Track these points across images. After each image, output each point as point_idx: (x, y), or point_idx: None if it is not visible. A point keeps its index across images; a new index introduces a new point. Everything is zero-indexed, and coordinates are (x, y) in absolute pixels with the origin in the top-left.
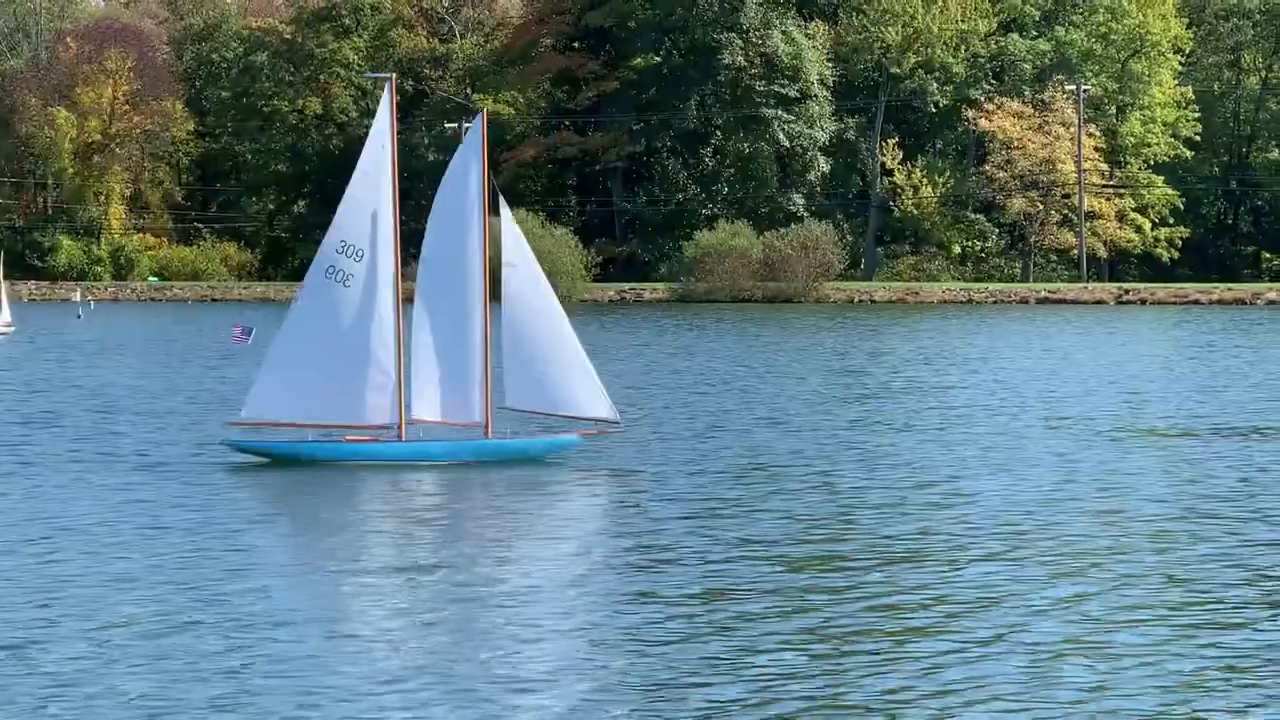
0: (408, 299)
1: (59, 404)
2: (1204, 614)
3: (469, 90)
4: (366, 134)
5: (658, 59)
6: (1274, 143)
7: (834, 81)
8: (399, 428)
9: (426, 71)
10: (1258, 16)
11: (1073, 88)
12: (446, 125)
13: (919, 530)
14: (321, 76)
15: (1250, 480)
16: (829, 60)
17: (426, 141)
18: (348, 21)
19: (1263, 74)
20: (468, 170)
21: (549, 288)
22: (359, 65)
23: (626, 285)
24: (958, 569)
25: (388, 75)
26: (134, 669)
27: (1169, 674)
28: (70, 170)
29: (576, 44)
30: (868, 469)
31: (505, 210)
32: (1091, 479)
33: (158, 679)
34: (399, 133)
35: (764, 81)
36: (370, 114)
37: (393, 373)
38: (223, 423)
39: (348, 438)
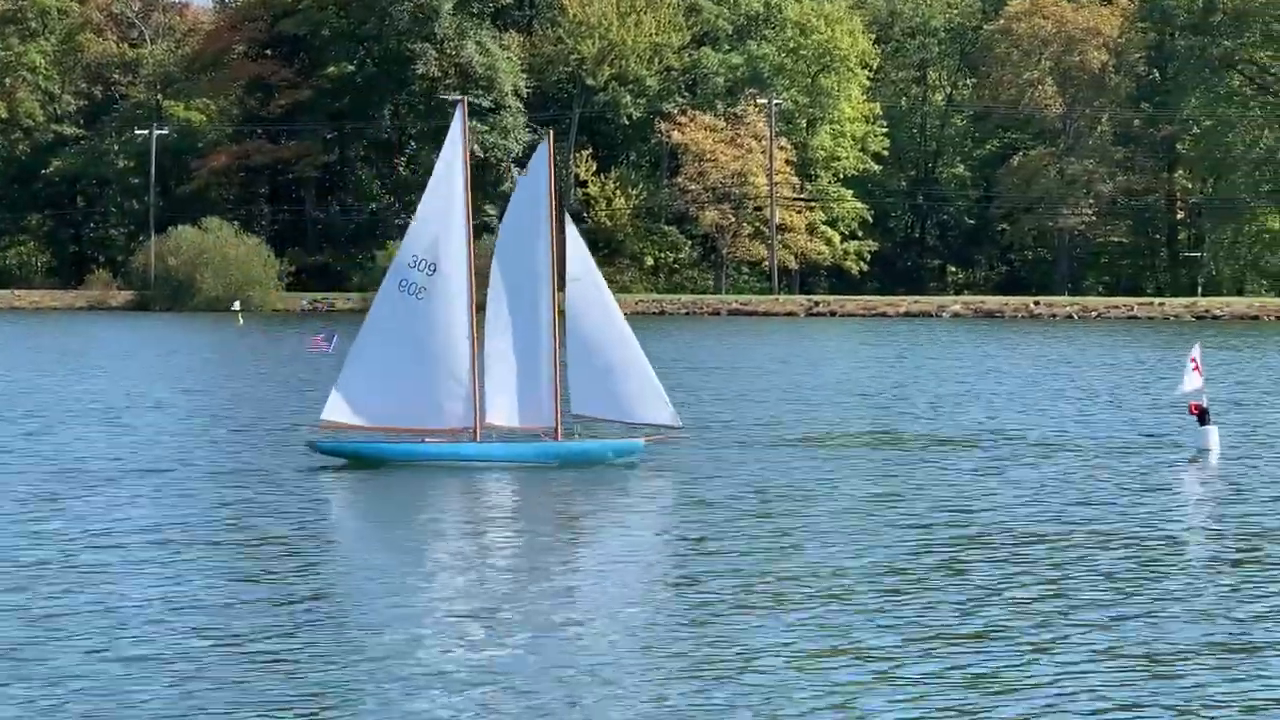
0: (480, 308)
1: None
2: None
3: (159, 96)
4: (54, 140)
5: (351, 68)
6: (959, 158)
7: (528, 93)
8: (474, 431)
9: (116, 77)
10: (943, 34)
11: (764, 101)
12: (137, 132)
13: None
14: (6, 80)
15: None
16: (523, 72)
17: (116, 148)
18: (34, 24)
19: (948, 90)
20: (536, 188)
21: (613, 299)
22: (45, 69)
23: (319, 295)
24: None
25: (459, 97)
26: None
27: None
28: None
29: (269, 51)
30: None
31: (571, 226)
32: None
33: (243, 674)
34: (90, 138)
35: (458, 92)
36: (58, 119)
37: (467, 379)
38: (304, 426)
39: (426, 440)
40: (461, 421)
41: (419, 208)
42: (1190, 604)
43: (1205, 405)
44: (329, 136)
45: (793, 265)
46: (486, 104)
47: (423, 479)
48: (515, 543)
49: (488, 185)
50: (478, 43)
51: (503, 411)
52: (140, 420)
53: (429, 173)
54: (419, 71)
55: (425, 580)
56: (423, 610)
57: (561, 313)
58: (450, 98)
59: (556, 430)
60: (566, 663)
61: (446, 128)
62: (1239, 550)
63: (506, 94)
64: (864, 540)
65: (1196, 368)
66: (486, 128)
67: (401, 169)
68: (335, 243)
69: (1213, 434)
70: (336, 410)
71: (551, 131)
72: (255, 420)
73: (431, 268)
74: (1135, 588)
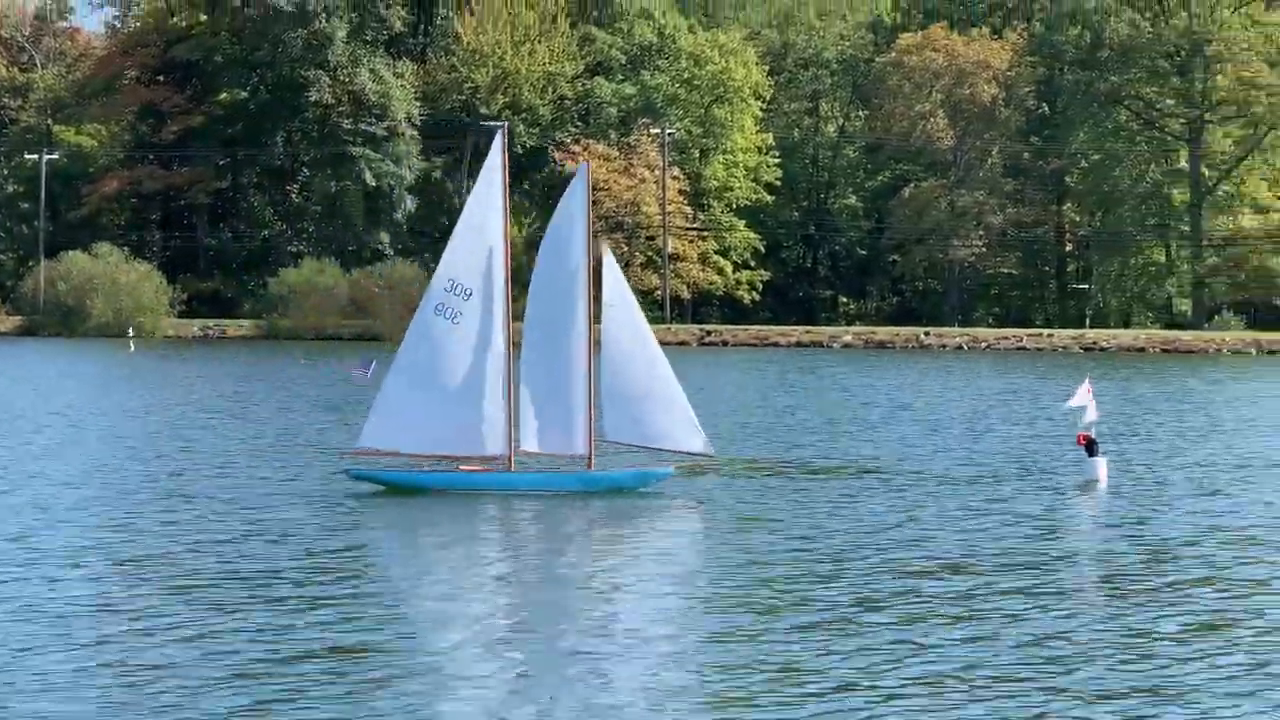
0: (515, 337)
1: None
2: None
3: (49, 121)
4: None
5: (244, 94)
6: (851, 189)
7: (422, 121)
8: (508, 459)
9: (6, 101)
10: (835, 66)
11: (658, 131)
12: (27, 156)
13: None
14: None
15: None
16: (417, 100)
17: (5, 172)
18: None
19: (840, 122)
20: (572, 216)
21: (647, 327)
22: None
23: (211, 321)
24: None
25: (501, 123)
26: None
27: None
28: None
29: (161, 77)
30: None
31: (608, 255)
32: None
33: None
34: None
35: (351, 119)
36: None
37: (503, 407)
38: (340, 453)
39: (460, 467)
40: (497, 449)
41: (455, 233)
42: (1079, 629)
43: (1094, 436)
44: (221, 163)
45: (685, 295)
46: (380, 132)
47: (456, 507)
48: (542, 570)
49: (380, 213)
50: (371, 70)
51: (537, 439)
52: (167, 446)
53: (323, 199)
54: (312, 99)
55: (453, 605)
56: (451, 634)
57: (596, 340)
58: (492, 125)
59: (590, 458)
60: (585, 686)
61: (340, 154)
62: (1126, 578)
63: (400, 122)
64: (756, 571)
65: (1090, 395)
66: (380, 156)
67: (294, 196)
68: (227, 269)
69: (1100, 464)
70: (373, 437)
71: (589, 161)
72: (290, 445)
73: (468, 293)
74: (1029, 614)
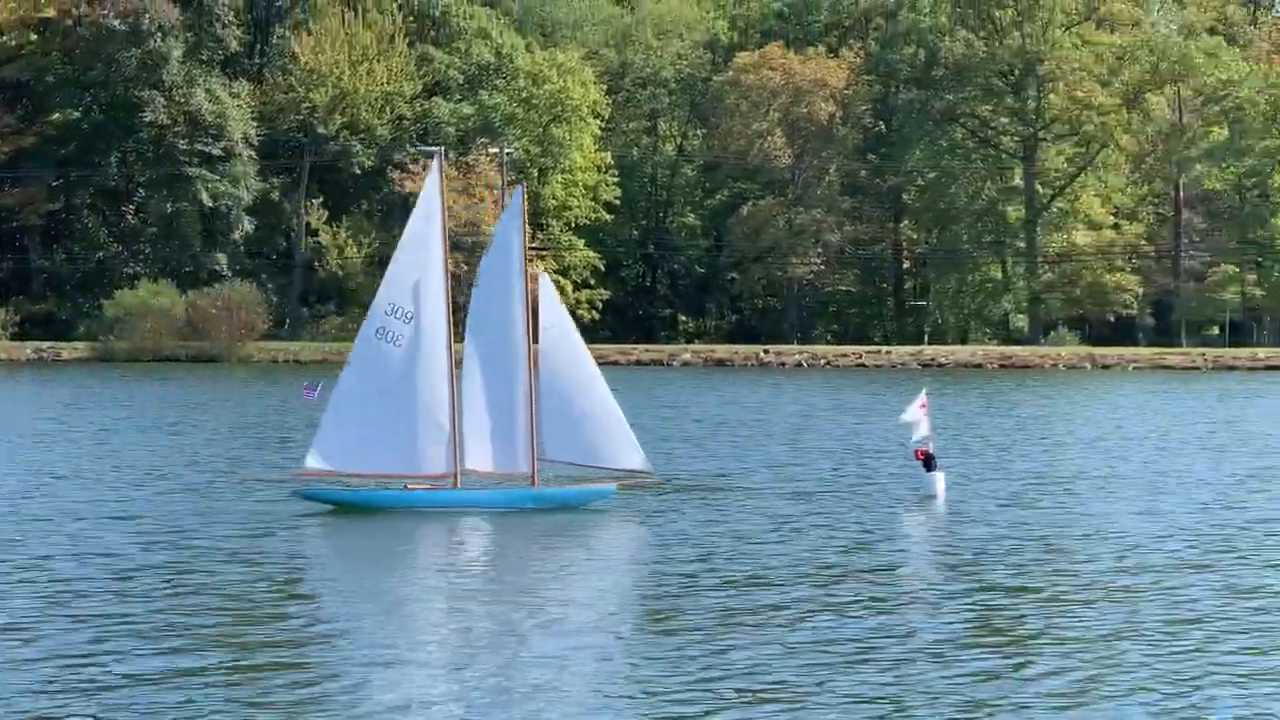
0: (456, 356)
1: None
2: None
3: None
4: None
5: (77, 115)
6: (689, 208)
7: (259, 141)
8: (454, 477)
9: None
10: (673, 85)
11: (496, 151)
12: None
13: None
14: None
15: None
16: (254, 120)
17: None
18: None
19: (679, 141)
20: (509, 239)
21: (584, 348)
22: None
23: (45, 344)
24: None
25: (436, 148)
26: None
27: None
28: None
29: None
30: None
31: (544, 278)
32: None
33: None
34: None
35: (187, 140)
36: None
37: (448, 426)
38: (287, 473)
39: (408, 486)
40: (442, 468)
41: (395, 257)
42: (920, 636)
43: (931, 451)
44: (54, 184)
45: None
46: (216, 152)
47: (406, 524)
48: (494, 585)
49: (218, 234)
50: (207, 90)
51: (481, 458)
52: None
53: (159, 220)
54: (147, 119)
55: (413, 619)
56: (407, 646)
57: (534, 361)
58: (428, 149)
59: (533, 476)
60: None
61: (176, 175)
62: (964, 588)
63: (237, 142)
64: (614, 588)
65: (925, 411)
66: (216, 176)
67: (130, 217)
68: (61, 291)
69: (939, 479)
70: (318, 458)
71: (524, 184)
72: (230, 467)
73: (408, 316)
74: (872, 624)
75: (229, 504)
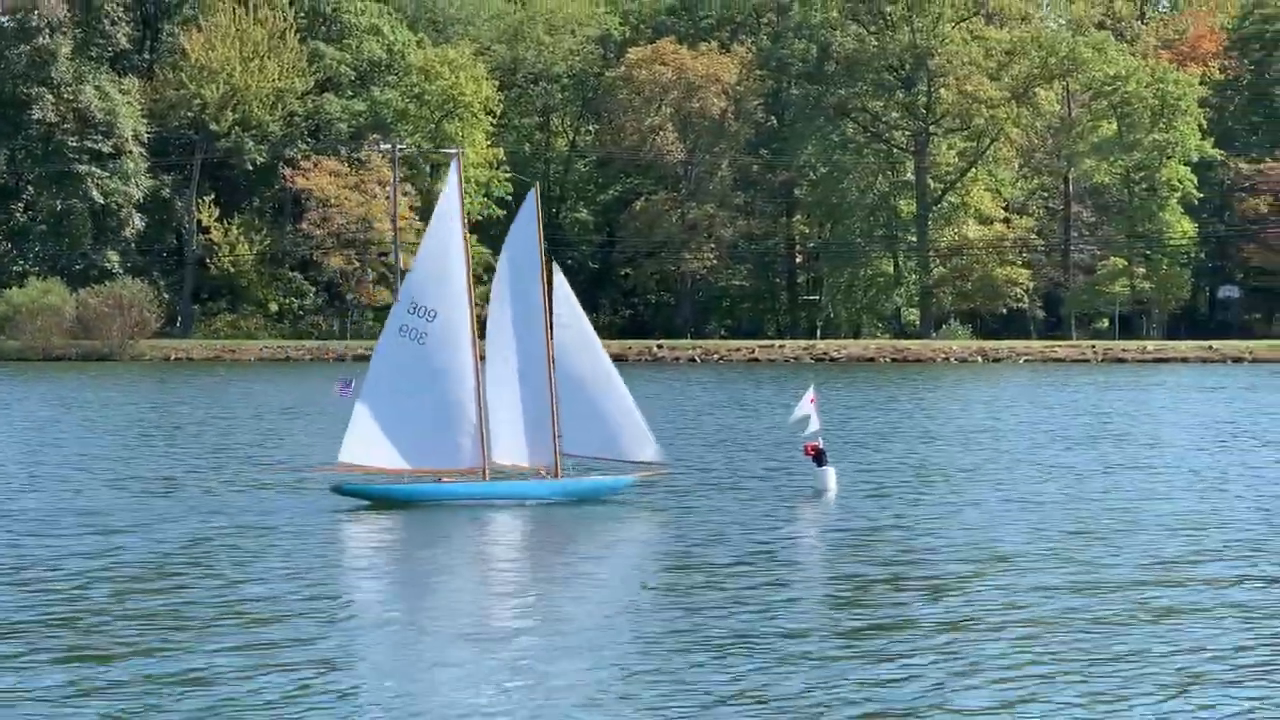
0: (480, 355)
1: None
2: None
3: None
4: None
5: None
6: (582, 203)
7: (150, 138)
8: (483, 470)
9: None
10: (565, 81)
11: (388, 147)
12: None
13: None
14: None
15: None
16: (144, 116)
17: None
18: None
19: (571, 136)
20: (526, 239)
21: (599, 343)
22: None
23: None
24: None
25: (455, 150)
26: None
27: None
28: None
29: None
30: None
31: (559, 274)
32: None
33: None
34: None
35: (77, 137)
36: None
37: (475, 421)
38: (321, 468)
39: (442, 479)
40: (471, 461)
41: (417, 255)
42: (810, 632)
43: (822, 446)
44: None
45: None
46: (106, 149)
47: (442, 517)
48: (532, 575)
49: (108, 232)
50: (96, 87)
51: (507, 452)
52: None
53: (49, 217)
54: (36, 116)
55: (452, 614)
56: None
57: (550, 356)
58: (448, 151)
59: (556, 468)
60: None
61: (66, 172)
62: (854, 586)
63: (127, 139)
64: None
65: (814, 406)
66: (107, 173)
67: (19, 214)
68: None
69: (830, 474)
70: (352, 453)
71: (537, 184)
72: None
73: (431, 314)
74: (758, 620)
75: (266, 499)
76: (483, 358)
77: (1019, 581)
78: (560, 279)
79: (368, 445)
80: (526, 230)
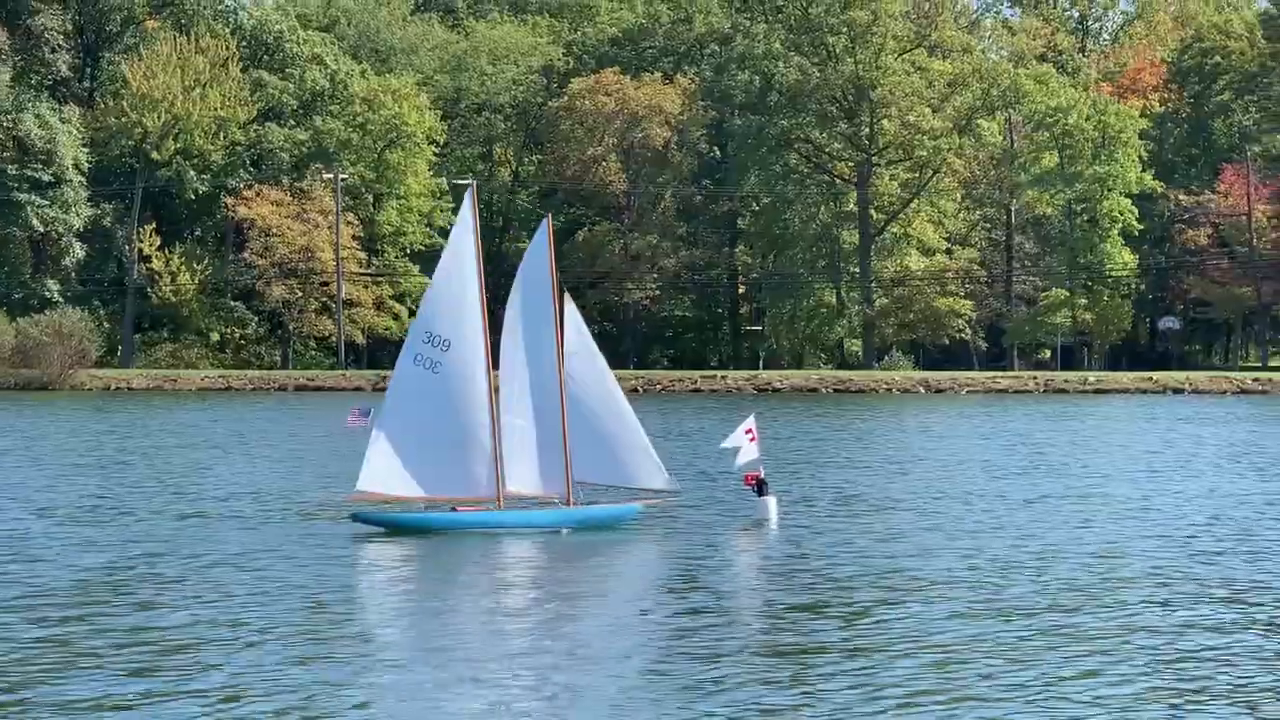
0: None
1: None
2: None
3: None
4: None
5: None
6: (525, 233)
7: (90, 166)
8: (497, 499)
9: None
10: (508, 110)
11: (330, 176)
12: None
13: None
14: None
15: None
16: (85, 145)
17: None
18: None
19: (513, 166)
20: (539, 269)
21: (609, 372)
22: None
23: None
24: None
25: (470, 182)
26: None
27: None
28: None
29: None
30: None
31: (570, 304)
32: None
33: None
34: None
35: (16, 165)
36: None
37: (489, 450)
38: (340, 498)
39: (456, 508)
40: (486, 490)
41: (431, 285)
42: (753, 659)
43: (763, 476)
44: None
45: (360, 340)
46: (46, 178)
47: (456, 544)
48: (546, 601)
49: (48, 260)
50: (36, 115)
51: (521, 481)
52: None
53: None
54: None
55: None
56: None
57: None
58: (461, 183)
59: (569, 496)
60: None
61: (5, 201)
62: (774, 614)
63: (67, 168)
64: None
65: (753, 438)
66: (46, 202)
67: None
68: None
69: (771, 504)
70: (370, 481)
71: (550, 213)
72: (291, 491)
73: (446, 344)
74: (707, 648)
75: (289, 527)
76: (496, 388)
77: (930, 610)
78: (572, 309)
79: (385, 474)
80: (539, 260)
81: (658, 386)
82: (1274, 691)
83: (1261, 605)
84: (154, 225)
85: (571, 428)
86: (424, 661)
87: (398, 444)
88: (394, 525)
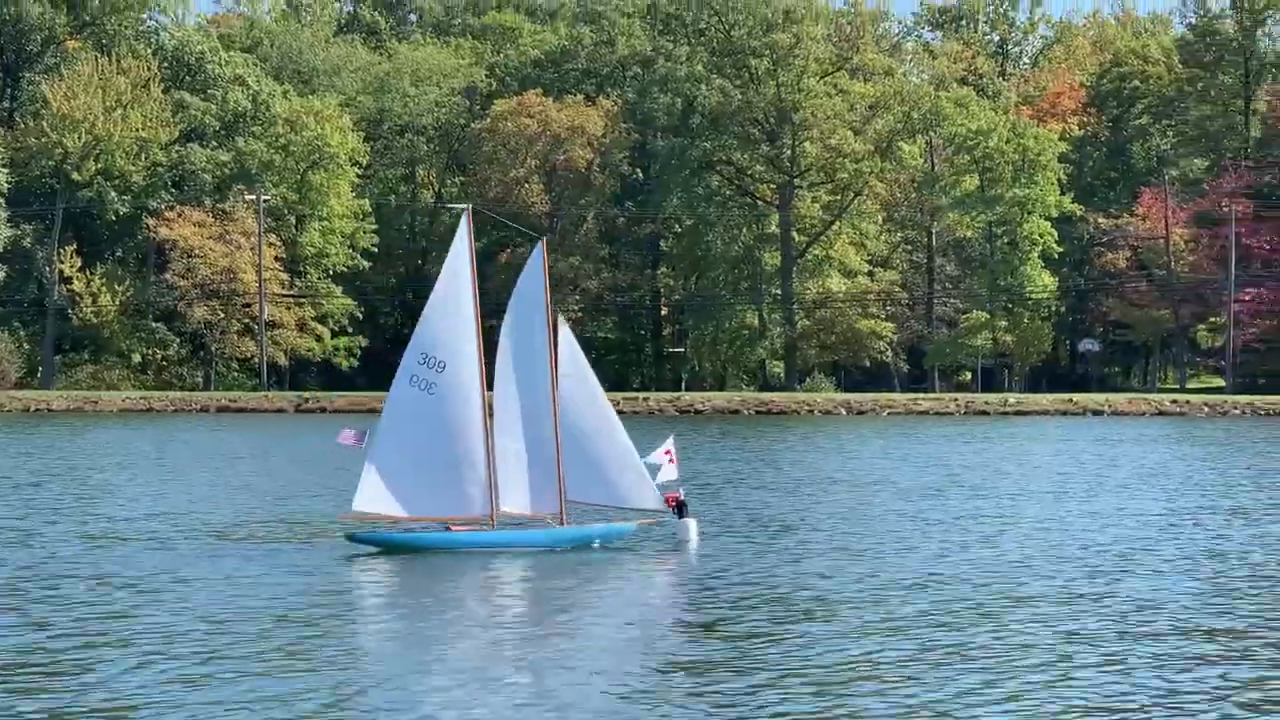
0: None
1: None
2: None
3: None
4: None
5: None
6: (441, 256)
7: (10, 187)
8: (492, 519)
9: None
10: (431, 132)
11: (253, 198)
12: None
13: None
14: None
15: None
16: (4, 165)
17: None
18: None
19: (436, 188)
20: (532, 292)
21: (602, 394)
22: None
23: None
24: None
25: (465, 205)
26: None
27: None
28: None
29: None
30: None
31: (563, 326)
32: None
33: None
34: None
35: None
36: None
37: (484, 470)
38: (335, 517)
39: (450, 528)
40: (480, 510)
41: (426, 309)
42: (676, 683)
43: (683, 497)
44: None
45: (283, 361)
46: None
47: (450, 563)
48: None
49: None
50: None
51: (515, 500)
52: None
53: None
54: None
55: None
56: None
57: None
58: (456, 206)
59: (562, 516)
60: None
61: None
62: (722, 636)
63: None
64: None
65: (671, 459)
66: None
67: None
68: None
69: (691, 525)
70: (365, 501)
71: (545, 238)
72: (286, 511)
73: (441, 365)
74: (630, 663)
75: (281, 546)
76: (491, 409)
77: (828, 629)
78: (565, 330)
79: (380, 494)
80: (533, 283)
81: None
82: (1163, 705)
83: (1156, 621)
84: (75, 246)
85: (565, 448)
86: (406, 676)
87: (393, 464)
88: (389, 545)
